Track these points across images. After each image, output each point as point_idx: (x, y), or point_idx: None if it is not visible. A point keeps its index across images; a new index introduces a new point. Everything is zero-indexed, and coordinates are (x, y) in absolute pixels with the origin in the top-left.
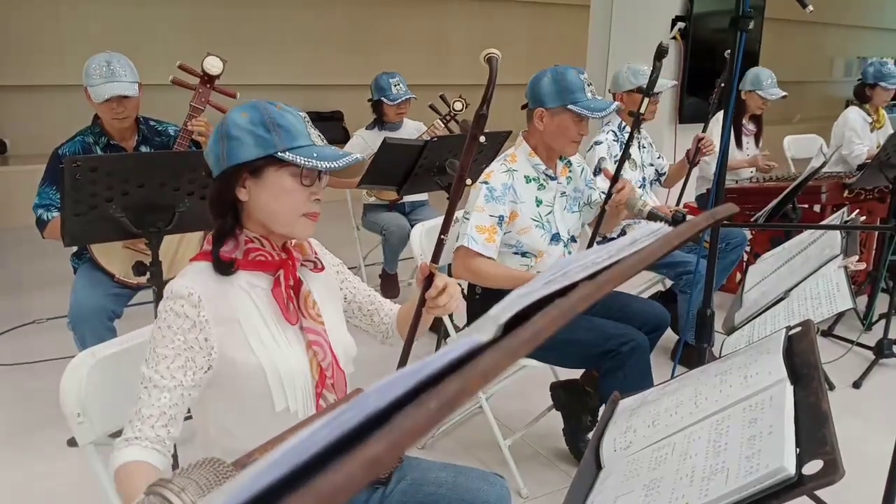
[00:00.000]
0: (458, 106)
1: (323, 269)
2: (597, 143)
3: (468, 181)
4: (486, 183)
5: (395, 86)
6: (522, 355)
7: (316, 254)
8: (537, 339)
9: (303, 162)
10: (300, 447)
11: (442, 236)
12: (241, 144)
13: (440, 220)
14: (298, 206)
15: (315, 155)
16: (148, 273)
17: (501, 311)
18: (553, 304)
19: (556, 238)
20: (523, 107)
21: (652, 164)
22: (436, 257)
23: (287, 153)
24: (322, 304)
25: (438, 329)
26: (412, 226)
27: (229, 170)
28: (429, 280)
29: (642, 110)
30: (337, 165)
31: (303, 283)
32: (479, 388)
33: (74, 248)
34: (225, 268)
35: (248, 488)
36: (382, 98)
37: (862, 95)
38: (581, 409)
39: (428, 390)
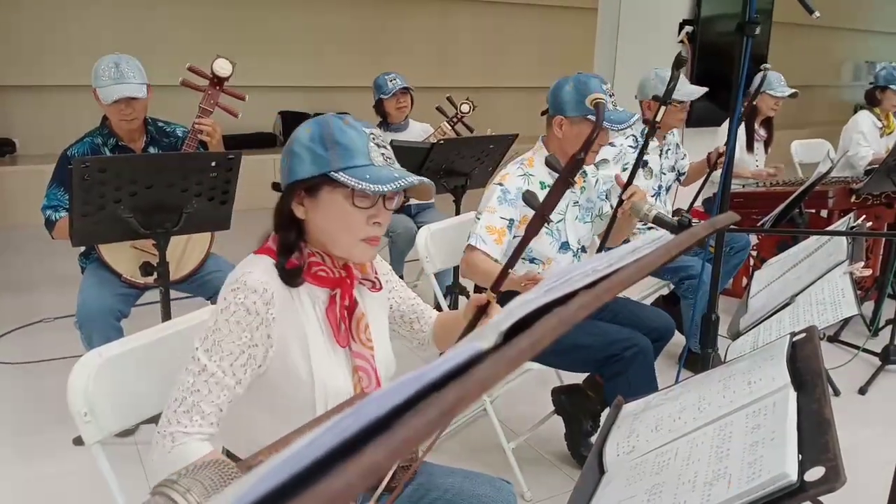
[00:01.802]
0: (465, 108)
1: (381, 288)
2: (610, 144)
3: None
4: (500, 185)
5: (391, 80)
6: (521, 363)
7: (376, 273)
8: (536, 347)
9: (353, 183)
10: (302, 453)
11: (510, 271)
12: (300, 161)
13: (447, 222)
14: (354, 229)
15: (368, 177)
16: (155, 273)
17: (503, 319)
18: (552, 312)
19: (564, 246)
20: (543, 113)
21: (674, 168)
22: (496, 286)
23: (340, 173)
24: (373, 324)
25: None
26: (418, 228)
27: (289, 186)
28: (483, 309)
29: (658, 118)
30: (385, 189)
31: (358, 304)
32: (478, 396)
33: (82, 248)
34: (291, 277)
35: (252, 492)
36: (381, 96)
37: (872, 99)
38: (582, 414)
39: (429, 397)
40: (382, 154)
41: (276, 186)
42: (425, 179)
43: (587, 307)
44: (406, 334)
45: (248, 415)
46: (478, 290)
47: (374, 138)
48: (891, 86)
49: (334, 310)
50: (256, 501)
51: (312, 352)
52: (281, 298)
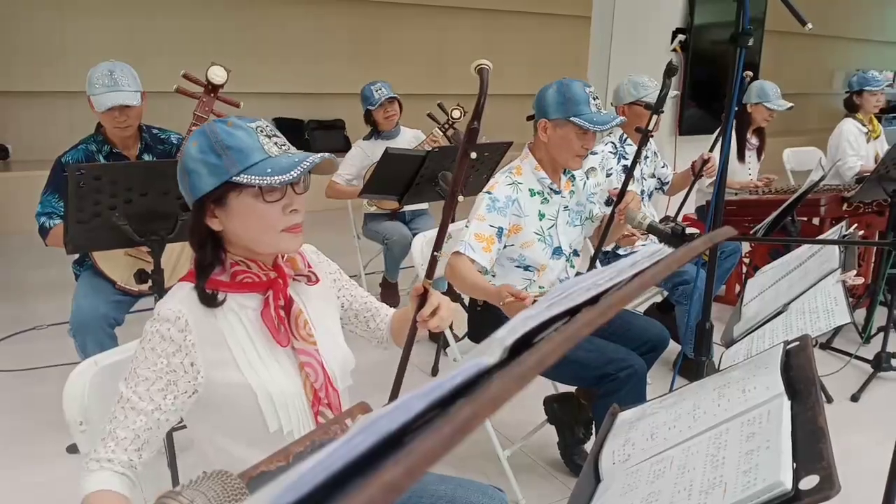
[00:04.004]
0: (455, 114)
1: (317, 280)
2: (592, 152)
3: (460, 197)
4: (489, 193)
5: (377, 91)
6: (530, 380)
7: (309, 267)
8: (543, 364)
9: (257, 181)
10: (316, 469)
11: (435, 253)
12: (198, 176)
13: None
14: (272, 224)
15: (269, 170)
16: (150, 281)
17: (507, 334)
18: (558, 329)
19: (557, 252)
20: (529, 118)
21: (654, 175)
22: (430, 273)
23: (241, 176)
24: (317, 319)
25: (438, 339)
26: (413, 235)
27: (196, 203)
28: (423, 297)
29: (650, 127)
30: (292, 177)
31: (294, 301)
32: (491, 413)
33: (76, 255)
34: (210, 300)
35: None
36: (368, 107)
37: (851, 105)
38: (574, 422)
39: (437, 412)
40: (276, 143)
41: (187, 209)
42: (326, 155)
43: (591, 324)
44: (364, 333)
45: (214, 443)
46: (472, 300)
47: (261, 130)
48: (866, 87)
49: (269, 313)
50: None
51: (243, 364)
52: (199, 322)
